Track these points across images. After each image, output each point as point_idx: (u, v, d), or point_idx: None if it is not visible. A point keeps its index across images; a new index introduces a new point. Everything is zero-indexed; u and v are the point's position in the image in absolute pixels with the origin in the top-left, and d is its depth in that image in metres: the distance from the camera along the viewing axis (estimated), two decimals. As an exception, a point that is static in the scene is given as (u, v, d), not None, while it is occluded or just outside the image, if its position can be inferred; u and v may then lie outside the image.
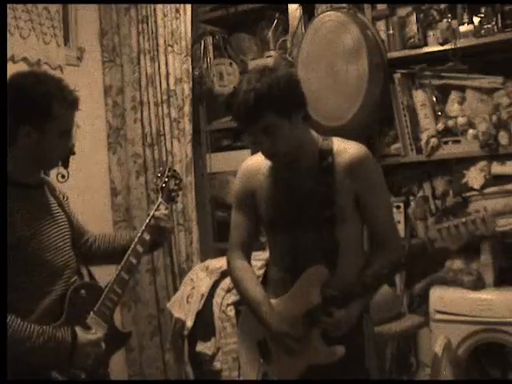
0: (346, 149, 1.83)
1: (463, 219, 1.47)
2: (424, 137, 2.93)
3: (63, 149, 1.84)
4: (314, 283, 1.80)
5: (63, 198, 2.00)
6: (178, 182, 2.15)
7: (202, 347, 2.97)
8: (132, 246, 1.96)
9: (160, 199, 2.07)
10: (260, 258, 2.50)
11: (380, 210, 1.85)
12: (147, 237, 1.98)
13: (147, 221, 2.00)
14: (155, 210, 2.03)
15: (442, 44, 2.86)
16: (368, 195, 1.83)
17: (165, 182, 2.11)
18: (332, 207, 1.79)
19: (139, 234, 1.98)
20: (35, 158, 1.79)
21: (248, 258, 2.02)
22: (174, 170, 2.17)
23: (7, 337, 1.62)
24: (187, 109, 3.50)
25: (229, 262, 2.04)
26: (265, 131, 1.74)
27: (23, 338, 1.65)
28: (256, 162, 1.95)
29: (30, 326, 1.68)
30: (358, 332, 1.84)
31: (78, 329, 1.77)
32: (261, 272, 2.10)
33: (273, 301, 1.87)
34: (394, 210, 3.02)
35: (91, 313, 1.84)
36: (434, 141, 2.90)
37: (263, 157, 1.87)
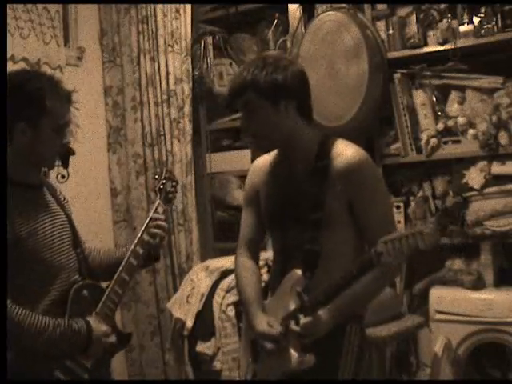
0: (343, 153, 1.77)
1: (406, 232, 1.44)
2: (424, 137, 2.93)
3: (59, 145, 1.84)
4: (290, 288, 1.77)
5: (64, 199, 2.01)
6: (174, 183, 2.14)
7: (202, 347, 2.97)
8: (132, 247, 1.96)
9: (158, 200, 2.07)
10: (261, 258, 2.50)
11: (374, 220, 1.77)
12: (146, 238, 1.98)
13: (147, 221, 2.00)
14: (154, 211, 2.04)
15: (441, 44, 2.86)
16: (361, 204, 1.77)
17: (162, 184, 2.10)
18: (320, 211, 1.75)
19: (139, 235, 1.98)
20: (32, 156, 1.79)
21: (254, 256, 2.00)
22: (170, 172, 2.16)
23: (23, 330, 1.65)
24: (187, 109, 3.50)
25: (235, 259, 2.02)
26: (245, 108, 1.78)
27: (40, 330, 1.68)
28: (263, 160, 1.97)
29: (45, 317, 1.70)
30: (335, 342, 1.78)
31: (90, 319, 1.80)
32: (261, 271, 2.09)
33: (266, 301, 1.88)
34: (394, 209, 3.02)
35: (93, 314, 1.84)
36: (433, 141, 2.90)
37: (272, 156, 1.92)
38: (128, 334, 2.06)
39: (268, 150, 1.94)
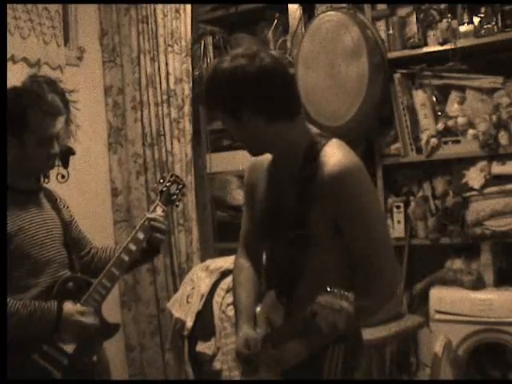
0: (329, 160, 1.55)
1: (335, 303, 1.34)
2: (424, 137, 2.93)
3: (45, 156, 1.91)
4: (267, 310, 1.67)
5: (64, 206, 2.07)
6: (180, 186, 2.17)
7: (202, 347, 2.97)
8: (125, 244, 2.01)
9: (157, 201, 2.11)
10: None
11: (361, 240, 1.56)
12: (141, 236, 2.02)
13: (142, 221, 2.04)
14: (152, 211, 2.08)
15: (441, 44, 2.86)
16: (347, 220, 1.56)
17: (165, 187, 2.14)
18: (302, 227, 1.57)
19: (133, 233, 2.03)
20: (19, 166, 1.89)
21: (254, 256, 1.88)
22: (177, 176, 2.19)
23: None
24: (187, 109, 3.50)
25: (234, 260, 1.94)
26: (216, 116, 1.69)
27: (10, 313, 1.74)
28: (261, 159, 1.78)
29: (16, 301, 1.78)
30: (316, 367, 1.61)
31: (65, 302, 1.85)
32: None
33: (258, 309, 1.76)
34: (394, 209, 3.02)
35: (77, 304, 1.89)
36: (433, 141, 2.90)
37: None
38: (115, 325, 2.08)
39: (260, 154, 1.75)
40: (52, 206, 2.00)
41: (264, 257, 1.83)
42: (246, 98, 1.56)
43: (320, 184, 1.55)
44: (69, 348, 1.85)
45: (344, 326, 1.34)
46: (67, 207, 2.10)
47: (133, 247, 2.00)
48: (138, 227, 2.03)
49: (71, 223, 2.07)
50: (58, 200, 2.06)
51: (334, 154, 1.57)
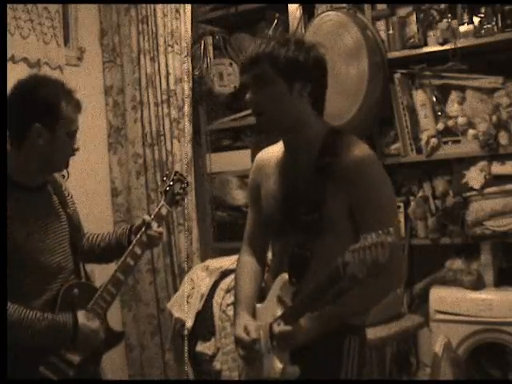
0: (349, 151, 1.63)
1: (370, 242, 1.35)
2: (424, 137, 2.93)
3: (70, 150, 1.85)
4: (277, 293, 1.68)
5: (68, 195, 2.01)
6: (184, 185, 2.14)
7: (202, 347, 2.97)
8: (130, 248, 1.97)
9: (162, 202, 2.08)
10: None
11: (376, 225, 1.54)
12: (145, 239, 1.99)
13: (144, 228, 2.01)
14: (157, 213, 2.05)
15: (442, 44, 2.86)
16: (364, 206, 1.62)
17: (169, 186, 2.11)
18: (317, 212, 1.63)
19: (138, 236, 1.99)
20: (45, 159, 1.80)
21: (258, 253, 1.90)
22: (181, 174, 2.16)
23: (11, 324, 1.67)
24: (187, 109, 3.50)
25: (238, 256, 1.95)
26: (256, 81, 1.66)
27: (27, 324, 1.70)
28: (268, 155, 1.85)
29: (32, 312, 1.73)
30: (334, 355, 1.68)
31: (78, 314, 1.81)
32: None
33: (259, 305, 1.79)
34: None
35: (83, 311, 1.85)
36: (433, 141, 2.90)
37: (277, 148, 1.81)
38: (120, 333, 2.06)
39: (271, 134, 1.79)
40: (59, 200, 1.93)
41: (274, 246, 1.84)
42: (308, 71, 1.66)
43: (339, 171, 1.62)
44: (75, 359, 1.81)
45: (388, 259, 1.35)
46: (71, 196, 2.03)
47: (138, 251, 1.97)
48: (142, 231, 2.00)
49: (73, 215, 1.99)
50: (64, 188, 1.99)
51: (353, 145, 1.66)
